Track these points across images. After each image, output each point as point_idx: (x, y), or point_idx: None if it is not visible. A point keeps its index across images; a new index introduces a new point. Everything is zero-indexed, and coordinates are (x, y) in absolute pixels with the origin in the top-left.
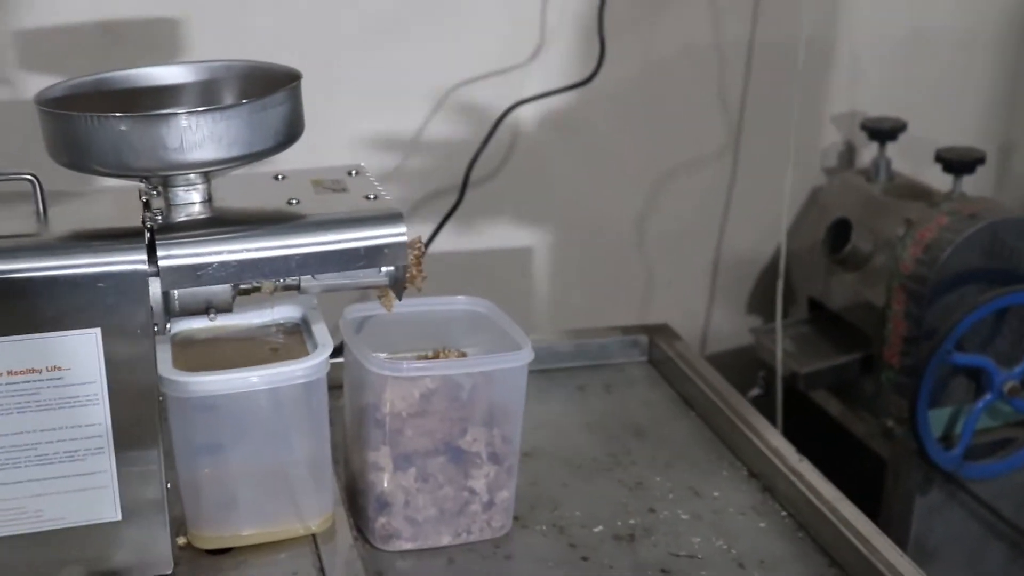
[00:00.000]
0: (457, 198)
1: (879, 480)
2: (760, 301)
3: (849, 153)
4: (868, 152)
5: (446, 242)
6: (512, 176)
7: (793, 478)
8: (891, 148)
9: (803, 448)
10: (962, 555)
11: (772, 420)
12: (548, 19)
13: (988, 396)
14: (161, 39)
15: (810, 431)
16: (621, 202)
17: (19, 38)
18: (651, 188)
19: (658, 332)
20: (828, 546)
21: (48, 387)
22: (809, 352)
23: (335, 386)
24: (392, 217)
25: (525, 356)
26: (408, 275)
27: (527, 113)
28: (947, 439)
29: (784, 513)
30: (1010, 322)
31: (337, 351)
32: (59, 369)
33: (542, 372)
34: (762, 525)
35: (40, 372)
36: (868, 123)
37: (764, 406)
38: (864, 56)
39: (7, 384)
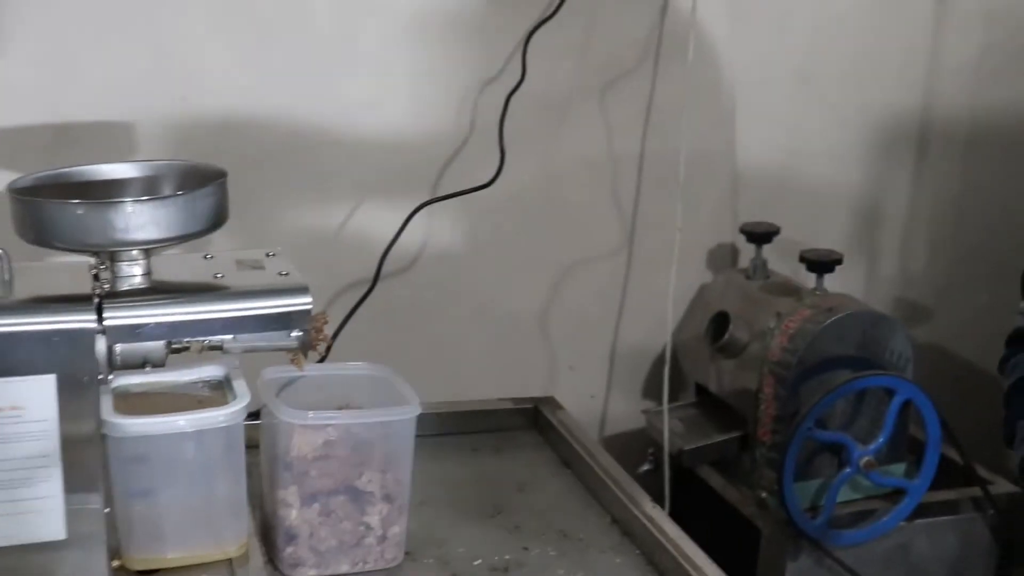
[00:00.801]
0: (370, 286)
1: (755, 547)
2: (653, 385)
3: (732, 254)
4: (748, 253)
5: (361, 325)
6: (425, 268)
7: (644, 521)
8: (767, 250)
9: (688, 517)
10: None
11: (660, 493)
12: (459, 129)
13: (848, 470)
14: (107, 140)
15: (694, 503)
16: (526, 294)
17: None
18: (553, 282)
19: (544, 403)
20: (669, 573)
21: (9, 423)
22: (694, 431)
23: (252, 445)
24: (300, 289)
25: (413, 411)
26: (312, 340)
27: (438, 211)
28: (813, 509)
29: (638, 551)
30: (868, 403)
31: (255, 415)
32: (18, 408)
33: (442, 435)
34: (618, 560)
35: (3, 410)
36: (746, 227)
37: (654, 480)
38: (743, 168)
39: None
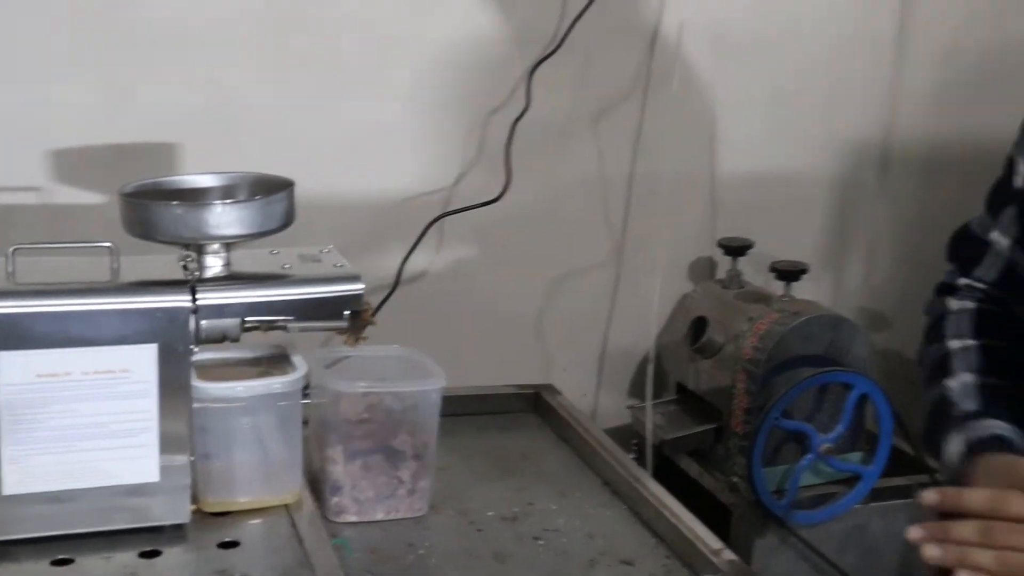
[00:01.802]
0: (390, 289)
1: (726, 526)
2: (638, 384)
3: (711, 266)
4: (725, 265)
5: (383, 323)
6: (437, 275)
7: (631, 480)
8: (742, 262)
9: None
10: None
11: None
12: (469, 152)
13: (809, 456)
14: (161, 159)
15: (673, 488)
16: (525, 300)
17: (48, 157)
18: (549, 289)
19: (544, 389)
20: (653, 524)
21: (120, 383)
22: (674, 424)
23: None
24: (353, 277)
25: (439, 383)
26: (363, 320)
27: (451, 224)
28: (779, 492)
29: (624, 507)
30: (829, 397)
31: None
32: (126, 371)
33: (455, 416)
34: (608, 513)
35: (115, 372)
36: (723, 241)
37: None
38: (721, 187)
39: (92, 380)
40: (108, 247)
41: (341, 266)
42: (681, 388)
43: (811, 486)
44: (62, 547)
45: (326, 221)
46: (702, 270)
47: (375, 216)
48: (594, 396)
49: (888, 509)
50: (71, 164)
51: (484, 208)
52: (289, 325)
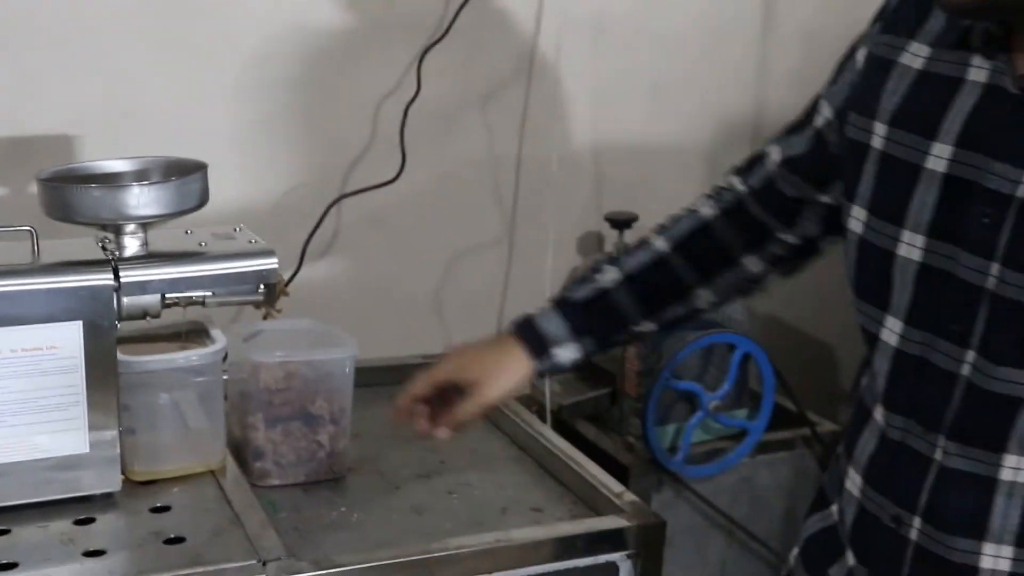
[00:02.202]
0: (295, 270)
1: (625, 483)
2: None
3: (599, 240)
4: (612, 238)
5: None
6: (337, 255)
7: (537, 437)
8: (628, 235)
9: None
10: (691, 542)
11: None
12: (364, 136)
13: (699, 413)
14: (61, 150)
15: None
16: (423, 278)
17: None
18: (445, 268)
19: None
20: (559, 475)
21: (47, 359)
22: (571, 390)
23: None
24: (267, 252)
25: (352, 351)
26: (278, 293)
27: (349, 207)
28: (672, 449)
29: (531, 461)
30: (715, 357)
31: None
32: (54, 348)
33: (366, 386)
34: (516, 467)
35: (42, 349)
36: (609, 216)
37: None
38: (605, 165)
39: (21, 356)
40: (29, 231)
41: (255, 242)
42: None
43: (702, 443)
44: None
45: (231, 205)
46: (591, 244)
47: (277, 200)
48: None
49: (773, 461)
50: None
51: (381, 190)
52: (207, 300)
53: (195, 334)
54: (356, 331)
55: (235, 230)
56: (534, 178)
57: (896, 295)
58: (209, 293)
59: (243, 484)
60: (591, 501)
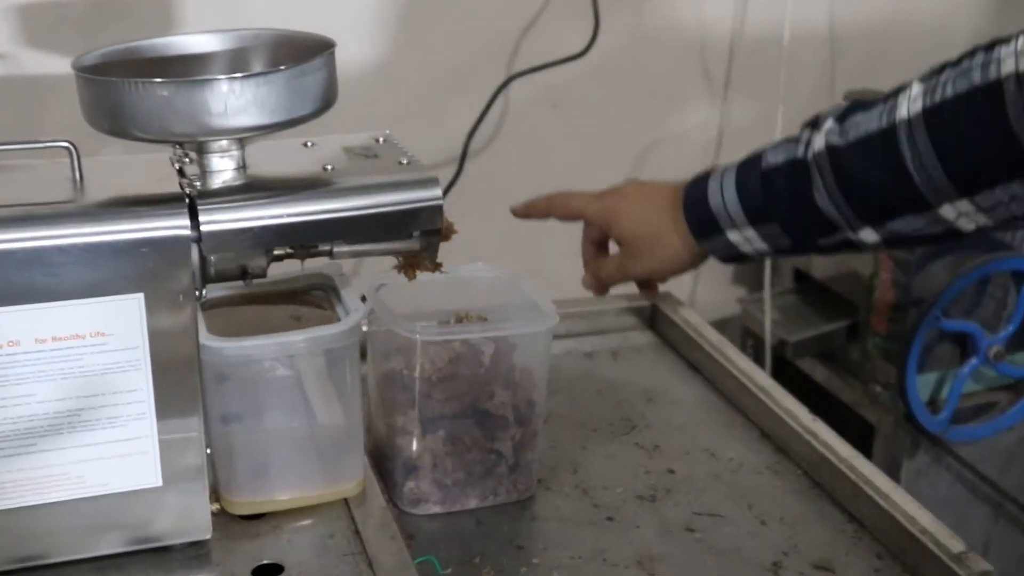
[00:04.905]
0: (456, 170)
1: (867, 445)
2: (744, 271)
3: None
4: None
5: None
6: (505, 149)
7: (808, 437)
8: None
9: None
10: (948, 517)
11: None
12: None
13: (974, 361)
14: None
15: (797, 397)
16: (610, 173)
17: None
18: (638, 160)
19: (661, 299)
20: (846, 502)
21: (91, 353)
22: (796, 320)
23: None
24: (428, 181)
25: (550, 320)
26: (443, 237)
27: (519, 86)
28: (933, 404)
29: (800, 472)
30: (992, 289)
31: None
32: (102, 335)
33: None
34: (779, 484)
35: (84, 338)
36: (850, 95)
37: None
38: (844, 33)
39: (51, 350)
40: (67, 147)
41: (407, 162)
42: (800, 276)
43: (971, 395)
44: None
45: (365, 100)
46: None
47: (426, 84)
48: (692, 285)
49: None
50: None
51: (563, 66)
52: (336, 250)
53: (318, 295)
54: (525, 252)
55: (377, 141)
56: (753, 51)
57: None
58: (339, 241)
59: (389, 522)
60: (900, 552)
